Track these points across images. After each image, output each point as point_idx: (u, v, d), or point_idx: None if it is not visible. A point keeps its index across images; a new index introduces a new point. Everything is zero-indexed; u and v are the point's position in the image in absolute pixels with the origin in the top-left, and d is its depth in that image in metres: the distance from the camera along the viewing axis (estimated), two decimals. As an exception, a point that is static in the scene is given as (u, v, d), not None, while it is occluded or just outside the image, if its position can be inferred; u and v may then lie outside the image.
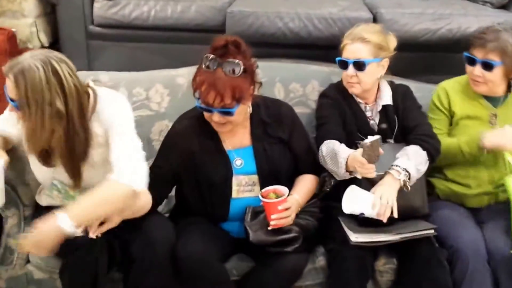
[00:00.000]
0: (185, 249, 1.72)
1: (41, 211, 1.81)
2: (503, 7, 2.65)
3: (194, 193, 1.88)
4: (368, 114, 2.00)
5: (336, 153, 1.80)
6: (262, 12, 2.40)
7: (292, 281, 1.84)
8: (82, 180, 1.69)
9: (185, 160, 1.85)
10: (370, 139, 1.68)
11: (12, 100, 1.55)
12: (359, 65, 1.92)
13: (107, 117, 1.63)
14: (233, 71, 1.70)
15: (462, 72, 2.23)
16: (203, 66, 1.72)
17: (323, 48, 2.43)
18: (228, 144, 1.88)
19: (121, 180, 1.52)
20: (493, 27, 2.00)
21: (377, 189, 1.76)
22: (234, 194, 1.86)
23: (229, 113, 1.74)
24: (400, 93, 2.04)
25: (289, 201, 1.76)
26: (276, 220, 1.73)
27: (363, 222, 1.80)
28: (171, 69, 2.39)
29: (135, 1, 2.54)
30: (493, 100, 2.04)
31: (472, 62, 1.97)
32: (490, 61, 1.92)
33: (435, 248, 1.84)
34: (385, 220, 1.73)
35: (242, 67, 1.71)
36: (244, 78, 1.72)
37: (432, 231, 1.81)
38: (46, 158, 1.65)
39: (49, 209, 1.76)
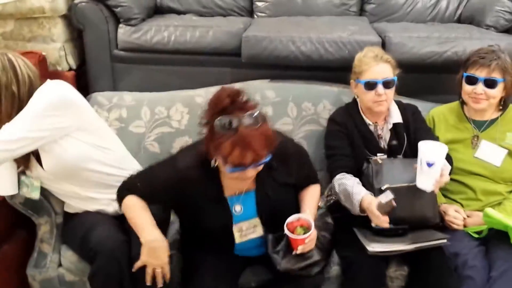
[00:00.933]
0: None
1: (68, 218, 2.06)
2: (506, 31, 2.79)
3: (197, 233, 1.92)
4: (379, 132, 2.17)
5: (349, 194, 1.96)
6: (275, 37, 2.56)
7: None
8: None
9: (181, 202, 1.87)
10: (385, 198, 1.85)
11: None
12: (388, 84, 2.10)
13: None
14: (257, 121, 1.64)
15: None
16: (221, 130, 1.62)
17: (334, 70, 2.61)
18: (230, 190, 1.87)
19: None
20: (487, 48, 2.21)
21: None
22: (237, 240, 1.89)
23: (263, 163, 1.71)
24: (411, 112, 2.23)
25: (313, 231, 1.79)
26: (302, 249, 1.79)
27: (378, 232, 1.97)
28: (190, 89, 2.60)
29: (156, 27, 2.69)
30: (478, 124, 2.24)
31: (474, 81, 2.15)
32: (494, 78, 2.11)
33: (446, 257, 1.98)
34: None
35: (260, 114, 1.66)
36: (265, 123, 1.67)
37: (445, 240, 1.96)
38: None
39: (75, 216, 2.01)
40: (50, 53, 2.67)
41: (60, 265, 2.10)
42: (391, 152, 2.14)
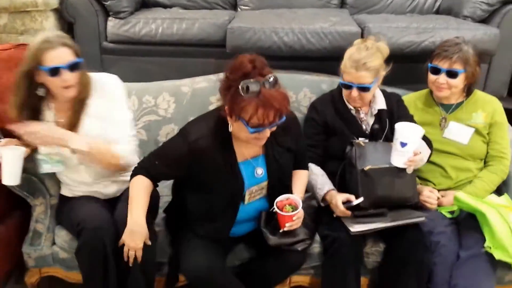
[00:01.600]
0: (190, 265, 1.96)
1: (65, 201, 2.23)
2: (483, 21, 2.97)
3: (200, 206, 2.04)
4: (361, 116, 2.33)
5: (313, 187, 2.22)
6: (259, 28, 2.74)
7: (291, 272, 2.17)
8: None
9: (193, 174, 1.98)
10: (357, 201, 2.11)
11: None
12: (364, 89, 2.24)
13: None
14: (276, 83, 1.82)
15: None
16: (244, 93, 1.77)
17: (315, 59, 2.80)
18: (241, 156, 2.02)
19: None
20: (453, 40, 2.39)
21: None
22: (246, 201, 2.05)
23: (281, 122, 1.88)
24: (395, 100, 2.41)
25: (300, 210, 1.98)
26: (289, 226, 1.98)
27: (359, 215, 2.14)
28: (176, 79, 2.73)
29: (144, 20, 2.87)
30: (446, 107, 2.44)
31: (437, 71, 2.36)
32: (455, 70, 2.32)
33: (422, 233, 2.15)
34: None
35: (276, 78, 1.83)
36: (280, 86, 1.85)
37: (423, 218, 2.15)
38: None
39: (71, 199, 2.20)
40: (41, 46, 2.84)
41: (54, 243, 2.25)
42: (373, 136, 2.31)
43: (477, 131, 2.40)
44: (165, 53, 2.90)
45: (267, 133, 1.89)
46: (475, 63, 2.37)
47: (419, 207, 2.29)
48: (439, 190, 2.35)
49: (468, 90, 2.41)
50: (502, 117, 2.45)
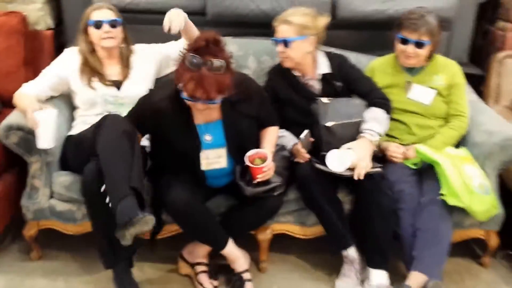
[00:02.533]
0: (171, 197, 2.09)
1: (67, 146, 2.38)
2: None
3: (170, 157, 2.18)
4: (306, 82, 2.46)
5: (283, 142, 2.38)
6: None
7: (271, 215, 2.31)
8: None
9: (157, 131, 2.17)
10: (303, 136, 2.27)
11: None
12: (285, 43, 2.37)
13: None
14: (218, 69, 1.92)
15: None
16: (187, 63, 1.92)
17: None
18: (199, 119, 2.14)
19: None
20: (419, 12, 2.48)
21: (356, 152, 2.24)
22: (203, 167, 2.17)
23: (213, 103, 2.01)
24: (337, 62, 2.51)
25: (269, 162, 2.12)
26: (261, 177, 2.12)
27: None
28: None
29: None
30: (410, 71, 2.58)
31: (406, 42, 2.47)
32: (423, 41, 2.44)
33: (378, 181, 2.31)
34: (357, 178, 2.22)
35: (224, 64, 1.94)
36: (226, 73, 1.96)
37: (380, 169, 2.32)
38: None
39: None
40: (30, 14, 2.87)
41: (51, 197, 2.34)
42: (325, 97, 2.42)
43: (438, 92, 2.54)
44: (149, 21, 2.91)
45: (199, 106, 2.00)
46: (438, 33, 2.50)
47: (386, 160, 2.45)
48: (404, 145, 2.51)
49: (430, 56, 2.54)
50: (461, 79, 2.58)
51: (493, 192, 2.35)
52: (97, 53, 2.44)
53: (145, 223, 1.92)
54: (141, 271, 2.39)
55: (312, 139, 2.32)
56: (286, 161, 2.34)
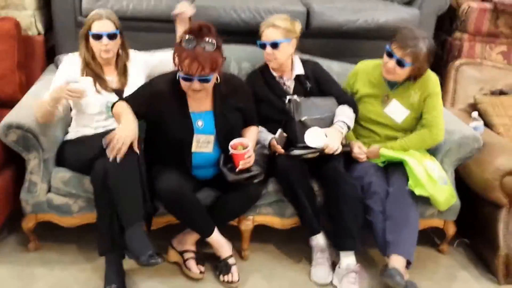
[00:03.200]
0: (163, 184, 2.23)
1: (65, 147, 2.48)
2: (408, 3, 3.29)
3: (162, 144, 2.33)
4: (283, 81, 2.65)
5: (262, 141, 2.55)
6: (220, 6, 2.97)
7: (252, 202, 2.47)
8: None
9: (154, 114, 2.29)
10: (277, 134, 2.46)
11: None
12: (274, 45, 2.55)
13: None
14: (210, 47, 2.15)
15: (374, 55, 2.86)
16: (183, 44, 2.15)
17: None
18: (193, 108, 2.32)
19: None
20: (414, 33, 2.46)
21: (329, 136, 2.44)
22: (193, 148, 2.32)
23: (206, 80, 2.20)
24: (310, 67, 2.71)
25: (250, 150, 2.30)
26: (243, 164, 2.28)
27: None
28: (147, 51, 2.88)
29: None
30: (391, 84, 2.63)
31: (390, 55, 2.48)
32: (404, 61, 2.45)
33: (342, 172, 2.51)
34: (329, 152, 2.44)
35: (215, 45, 2.17)
36: (217, 52, 2.19)
37: (348, 148, 2.58)
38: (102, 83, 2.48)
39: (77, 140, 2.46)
40: (21, 20, 2.94)
41: (48, 191, 2.44)
42: (295, 95, 2.61)
43: (413, 107, 2.60)
44: (135, 28, 3.01)
45: (196, 85, 2.19)
46: (425, 61, 2.47)
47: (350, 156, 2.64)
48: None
49: (413, 79, 2.55)
50: (436, 88, 2.59)
51: (450, 183, 2.56)
52: (97, 60, 2.51)
53: (149, 265, 2.13)
54: (130, 259, 2.43)
55: (285, 135, 2.51)
56: (265, 156, 2.50)
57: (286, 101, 2.56)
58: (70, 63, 2.54)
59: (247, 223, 2.58)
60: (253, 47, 2.94)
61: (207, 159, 2.38)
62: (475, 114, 2.92)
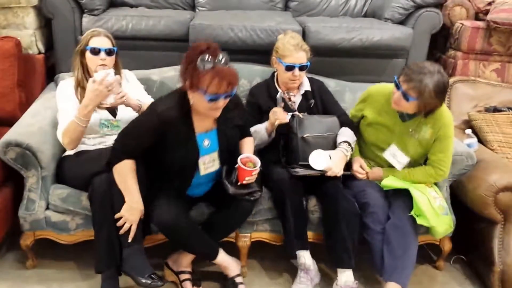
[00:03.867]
0: (161, 217, 2.20)
1: (64, 163, 2.46)
2: (401, 23, 3.31)
3: (162, 167, 2.25)
4: (289, 97, 2.65)
5: (256, 131, 2.56)
6: (217, 25, 2.98)
7: (245, 217, 2.44)
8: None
9: (160, 143, 2.17)
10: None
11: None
12: (303, 68, 2.58)
13: None
14: (227, 61, 2.07)
15: (369, 73, 2.87)
16: (201, 66, 2.02)
17: (264, 53, 2.96)
18: (199, 129, 2.25)
19: None
20: (421, 68, 2.31)
21: (334, 159, 2.46)
22: (202, 172, 2.29)
23: (231, 96, 2.13)
24: (316, 85, 2.77)
25: (258, 169, 2.28)
26: (247, 180, 2.27)
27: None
28: (146, 70, 2.97)
29: (115, 16, 3.02)
30: (403, 116, 2.50)
31: (397, 87, 2.38)
32: (408, 95, 2.32)
33: (341, 188, 2.49)
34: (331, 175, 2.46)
35: (227, 58, 2.09)
36: (231, 66, 2.11)
37: (349, 173, 2.57)
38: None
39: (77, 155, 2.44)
40: (22, 39, 2.96)
41: (47, 208, 2.43)
42: (300, 111, 2.65)
43: (421, 144, 2.51)
44: (135, 47, 3.06)
45: (221, 103, 2.11)
46: (431, 97, 2.29)
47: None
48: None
49: (424, 115, 2.42)
50: (448, 130, 2.47)
51: (450, 213, 2.53)
52: (89, 76, 2.47)
53: (149, 287, 2.15)
54: (127, 277, 2.39)
55: (282, 104, 2.58)
56: (259, 173, 2.46)
57: (289, 116, 2.56)
58: (67, 88, 2.51)
59: (245, 240, 2.56)
60: (251, 65, 3.04)
61: (208, 175, 2.35)
62: (469, 131, 2.92)
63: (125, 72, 2.69)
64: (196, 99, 2.13)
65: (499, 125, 2.99)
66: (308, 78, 2.77)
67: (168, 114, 2.15)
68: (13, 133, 2.41)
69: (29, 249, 2.50)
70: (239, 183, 2.28)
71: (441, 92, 2.33)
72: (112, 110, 2.53)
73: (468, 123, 3.09)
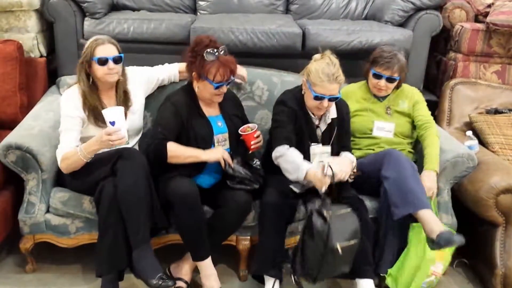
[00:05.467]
0: (180, 188, 2.22)
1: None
2: (400, 25, 3.26)
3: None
4: (317, 123, 2.45)
5: (298, 166, 2.27)
6: (218, 28, 2.94)
7: (245, 213, 2.39)
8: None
9: (181, 126, 2.36)
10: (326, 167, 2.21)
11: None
12: (334, 99, 2.34)
13: None
14: (226, 51, 2.36)
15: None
16: (207, 57, 2.29)
17: (265, 56, 3.03)
18: (208, 113, 2.46)
19: None
20: (390, 51, 2.60)
21: (339, 165, 2.27)
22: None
23: (232, 82, 2.44)
24: (345, 111, 2.54)
25: (258, 130, 2.46)
26: (255, 144, 2.43)
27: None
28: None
29: (117, 20, 2.98)
30: (379, 97, 2.72)
31: (379, 77, 2.61)
32: (394, 77, 2.60)
33: (361, 201, 2.41)
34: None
35: (226, 48, 2.38)
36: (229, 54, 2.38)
37: (360, 172, 2.42)
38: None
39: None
40: (24, 42, 2.92)
41: (47, 211, 2.38)
42: (323, 140, 2.47)
43: (404, 114, 2.70)
44: (136, 50, 3.01)
45: (224, 89, 2.40)
46: (407, 68, 2.67)
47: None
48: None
49: (398, 86, 2.71)
50: (420, 97, 2.74)
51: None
52: (97, 85, 2.38)
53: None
54: (127, 281, 2.39)
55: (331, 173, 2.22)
56: (261, 176, 2.47)
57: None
58: (70, 99, 2.36)
59: (245, 243, 2.50)
60: (252, 68, 2.95)
61: (216, 165, 2.40)
62: (469, 133, 2.86)
63: (128, 72, 2.53)
64: (203, 87, 2.40)
65: (500, 127, 2.94)
66: (335, 103, 2.47)
67: (179, 100, 2.42)
68: (14, 136, 2.37)
69: (28, 253, 2.45)
70: (249, 152, 2.45)
71: (406, 59, 2.69)
72: None
73: (469, 125, 3.04)
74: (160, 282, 2.11)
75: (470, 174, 2.54)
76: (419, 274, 2.37)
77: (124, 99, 2.43)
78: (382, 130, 2.69)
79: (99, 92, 2.39)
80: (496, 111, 3.06)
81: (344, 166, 2.33)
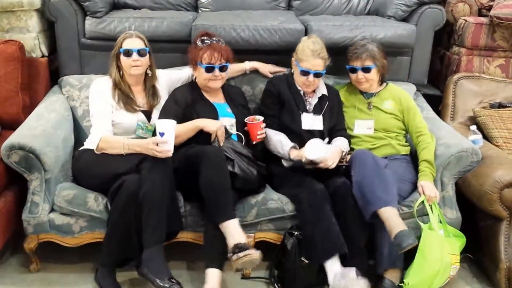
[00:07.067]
0: (206, 150, 2.33)
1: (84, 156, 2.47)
2: (403, 20, 3.22)
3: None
4: (306, 98, 2.70)
5: (282, 141, 2.56)
6: (220, 25, 2.92)
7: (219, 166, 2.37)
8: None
9: (185, 110, 2.53)
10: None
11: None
12: (318, 75, 2.63)
13: None
14: (220, 41, 2.57)
15: None
16: (199, 44, 2.55)
17: (267, 53, 3.02)
18: (211, 101, 2.61)
19: None
20: (359, 43, 2.76)
21: (329, 152, 2.46)
22: None
23: (225, 68, 2.56)
24: (335, 92, 2.83)
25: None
26: (260, 135, 2.54)
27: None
28: None
29: (118, 18, 2.97)
30: (367, 95, 2.82)
31: (354, 70, 2.73)
32: (367, 66, 2.69)
33: (349, 186, 2.45)
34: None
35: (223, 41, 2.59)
36: (228, 46, 2.59)
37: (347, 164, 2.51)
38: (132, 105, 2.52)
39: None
40: (26, 42, 2.92)
41: (51, 211, 2.40)
42: (314, 112, 2.68)
43: (386, 112, 2.77)
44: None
45: (217, 72, 2.53)
46: (382, 57, 2.72)
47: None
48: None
49: (382, 80, 2.80)
50: (409, 102, 2.80)
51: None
52: (126, 79, 2.56)
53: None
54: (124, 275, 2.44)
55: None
56: (263, 169, 2.54)
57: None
58: (100, 88, 2.54)
59: (248, 240, 2.46)
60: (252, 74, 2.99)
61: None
62: (473, 127, 2.86)
63: (158, 74, 2.71)
64: (198, 74, 2.61)
65: (504, 121, 2.93)
66: (327, 84, 2.81)
67: (180, 89, 2.65)
68: (17, 136, 2.38)
69: (32, 253, 2.47)
70: (254, 142, 2.55)
71: (382, 49, 2.76)
72: (148, 115, 2.59)
73: (473, 120, 3.04)
74: (167, 285, 2.13)
75: (474, 168, 2.54)
76: (437, 280, 2.35)
77: (152, 94, 2.61)
78: (363, 127, 2.79)
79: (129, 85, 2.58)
80: (500, 105, 3.05)
81: (330, 154, 2.47)
